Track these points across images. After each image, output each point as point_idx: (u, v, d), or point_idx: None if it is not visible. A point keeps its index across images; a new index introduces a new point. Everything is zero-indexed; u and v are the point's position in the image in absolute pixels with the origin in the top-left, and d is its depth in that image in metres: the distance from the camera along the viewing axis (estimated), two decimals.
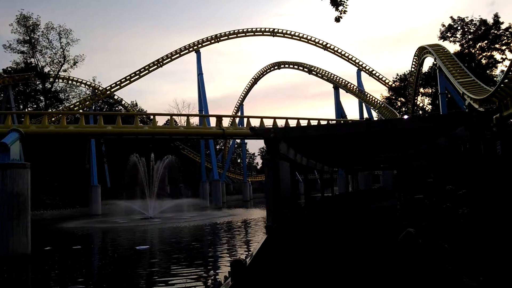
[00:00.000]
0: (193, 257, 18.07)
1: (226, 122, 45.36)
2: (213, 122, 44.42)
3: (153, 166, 41.06)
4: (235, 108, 75.72)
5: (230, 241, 22.93)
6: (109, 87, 56.15)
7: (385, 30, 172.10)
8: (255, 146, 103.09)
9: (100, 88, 57.54)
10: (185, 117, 45.67)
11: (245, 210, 49.20)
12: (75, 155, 51.19)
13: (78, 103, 55.56)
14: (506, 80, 22.02)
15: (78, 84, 58.36)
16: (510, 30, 46.71)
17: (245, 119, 45.77)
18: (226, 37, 61.37)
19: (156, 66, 57.14)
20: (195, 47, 58.80)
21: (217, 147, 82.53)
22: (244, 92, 74.54)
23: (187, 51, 58.61)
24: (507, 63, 37.08)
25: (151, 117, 46.26)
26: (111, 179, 56.74)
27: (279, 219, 9.76)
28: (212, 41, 60.32)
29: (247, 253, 16.66)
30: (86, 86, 59.02)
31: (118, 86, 55.65)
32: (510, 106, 22.88)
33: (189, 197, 52.94)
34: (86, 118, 45.91)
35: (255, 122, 41.85)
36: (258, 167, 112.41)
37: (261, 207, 47.38)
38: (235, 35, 61.97)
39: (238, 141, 79.51)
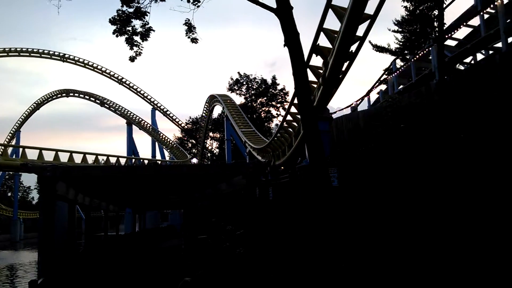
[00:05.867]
0: None
1: None
2: None
3: None
4: (10, 134, 65.99)
5: None
6: None
7: (183, 73, 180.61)
8: (31, 179, 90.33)
9: None
10: None
11: (13, 252, 42.47)
12: None
13: None
14: (279, 135, 25.58)
15: None
16: (284, 91, 55.26)
17: (21, 149, 39.15)
18: (6, 54, 54.02)
19: None
20: None
21: None
22: (23, 117, 65.73)
23: None
24: (281, 118, 43.33)
25: None
26: None
27: (49, 272, 8.64)
28: None
29: None
30: None
31: None
32: (281, 157, 26.53)
33: None
34: None
35: (33, 154, 36.45)
36: (34, 202, 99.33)
37: (34, 248, 41.62)
38: (16, 53, 55.11)
39: (11, 172, 68.87)
